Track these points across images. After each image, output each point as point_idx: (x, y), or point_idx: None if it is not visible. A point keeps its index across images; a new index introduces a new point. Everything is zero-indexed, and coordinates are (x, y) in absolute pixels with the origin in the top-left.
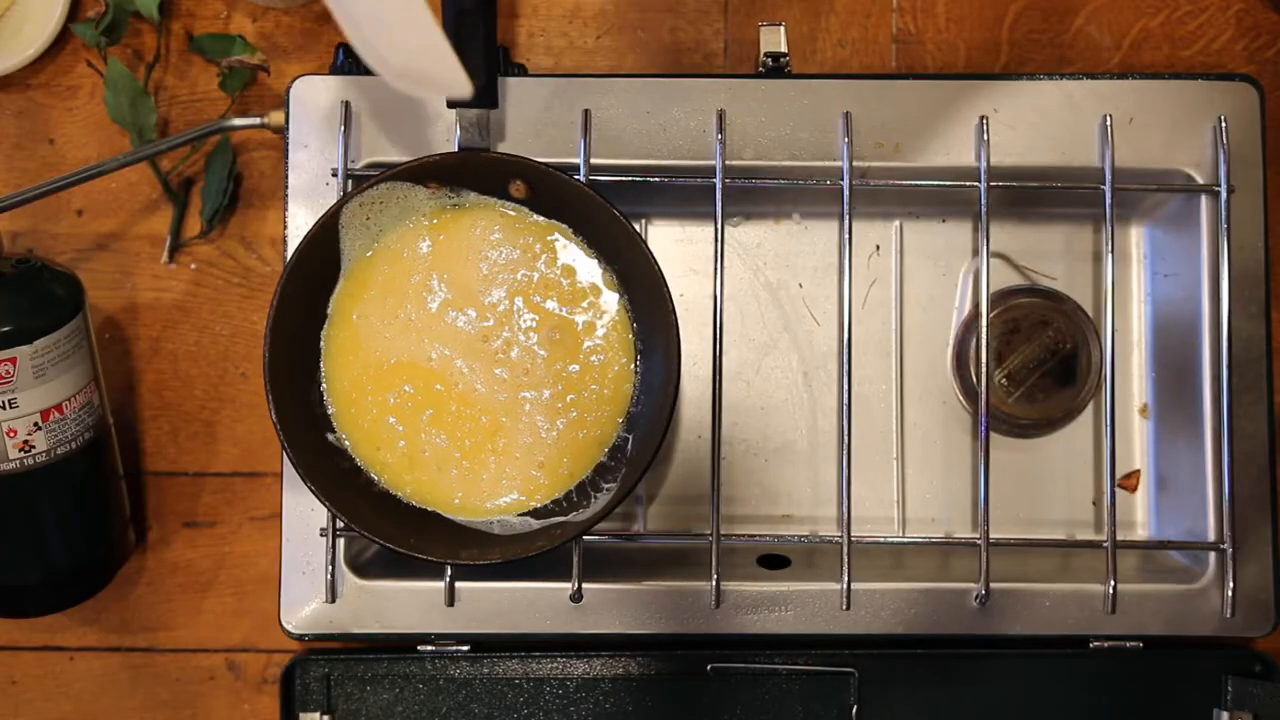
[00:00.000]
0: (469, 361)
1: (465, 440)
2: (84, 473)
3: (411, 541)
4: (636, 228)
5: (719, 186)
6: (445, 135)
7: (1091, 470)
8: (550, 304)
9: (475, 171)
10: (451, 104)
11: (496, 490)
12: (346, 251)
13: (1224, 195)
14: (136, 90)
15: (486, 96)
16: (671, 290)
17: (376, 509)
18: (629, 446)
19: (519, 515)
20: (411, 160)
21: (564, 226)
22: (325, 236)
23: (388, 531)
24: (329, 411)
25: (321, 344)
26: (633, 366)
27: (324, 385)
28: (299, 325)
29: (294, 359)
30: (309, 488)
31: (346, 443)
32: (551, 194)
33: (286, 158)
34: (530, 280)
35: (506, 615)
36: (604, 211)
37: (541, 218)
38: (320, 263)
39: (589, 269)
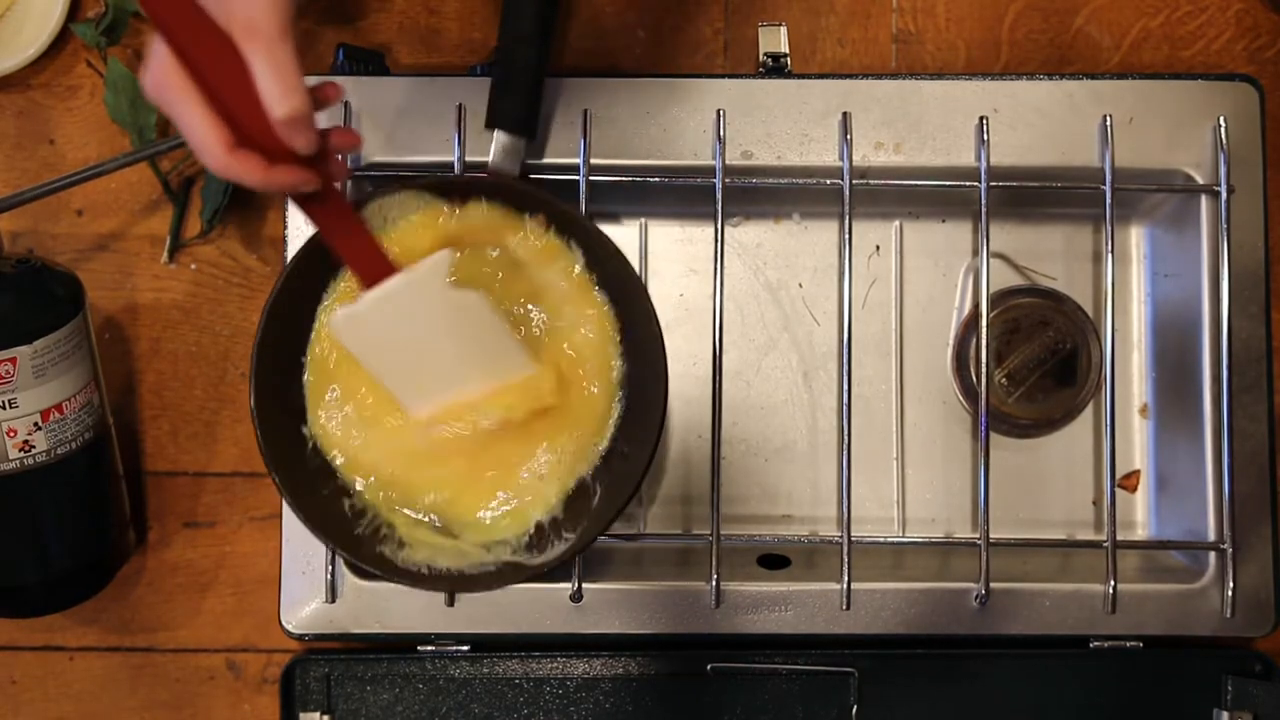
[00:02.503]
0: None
1: (451, 439)
2: (84, 473)
3: (362, 552)
4: (638, 229)
5: (719, 186)
6: (444, 137)
7: (1091, 470)
8: (546, 335)
9: (500, 197)
10: (490, 126)
11: (484, 497)
12: None
13: (1224, 195)
14: (136, 90)
15: (526, 127)
16: (672, 292)
17: (334, 512)
18: (594, 501)
19: (478, 544)
20: (440, 175)
21: (577, 267)
22: None
23: (343, 538)
24: (306, 404)
25: (313, 327)
26: (614, 407)
27: (306, 378)
28: (295, 312)
29: (284, 345)
30: (274, 479)
31: (319, 439)
32: (570, 233)
33: None
34: (532, 309)
35: (506, 615)
36: (617, 260)
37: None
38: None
39: (594, 309)
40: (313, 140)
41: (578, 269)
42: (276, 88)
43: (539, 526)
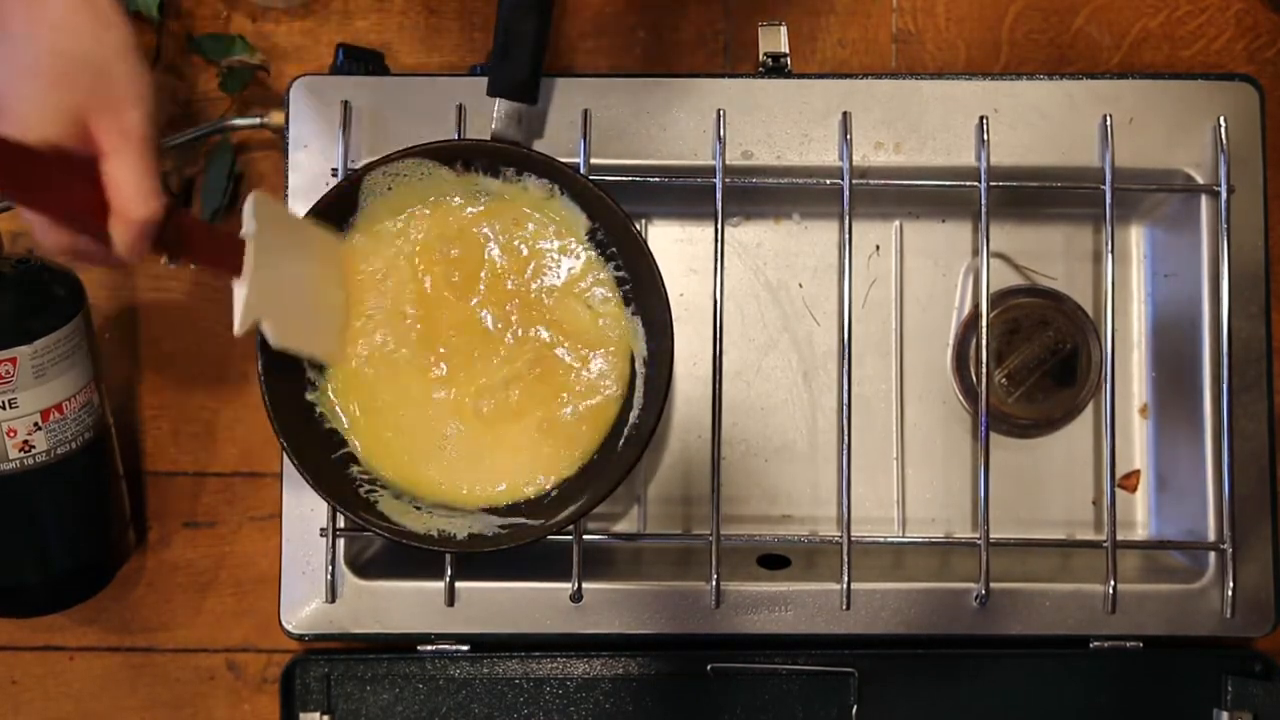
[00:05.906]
0: (462, 334)
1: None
2: (84, 473)
3: (368, 516)
4: (639, 230)
5: (719, 186)
6: (445, 137)
7: (1091, 470)
8: (551, 300)
9: (504, 163)
10: (492, 93)
11: (493, 471)
12: (362, 218)
13: (1224, 195)
14: None
15: (528, 92)
16: (672, 292)
17: (341, 476)
18: (603, 463)
19: (481, 510)
20: (443, 140)
21: (581, 232)
22: (346, 199)
23: (344, 497)
24: (319, 376)
25: None
26: (622, 370)
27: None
28: None
29: None
30: (280, 442)
31: (324, 406)
32: (575, 198)
33: (286, 158)
34: (537, 275)
35: (506, 615)
36: (623, 226)
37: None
38: (337, 222)
39: (599, 274)
40: (146, 252)
41: (581, 232)
42: (139, 191)
43: (547, 491)
